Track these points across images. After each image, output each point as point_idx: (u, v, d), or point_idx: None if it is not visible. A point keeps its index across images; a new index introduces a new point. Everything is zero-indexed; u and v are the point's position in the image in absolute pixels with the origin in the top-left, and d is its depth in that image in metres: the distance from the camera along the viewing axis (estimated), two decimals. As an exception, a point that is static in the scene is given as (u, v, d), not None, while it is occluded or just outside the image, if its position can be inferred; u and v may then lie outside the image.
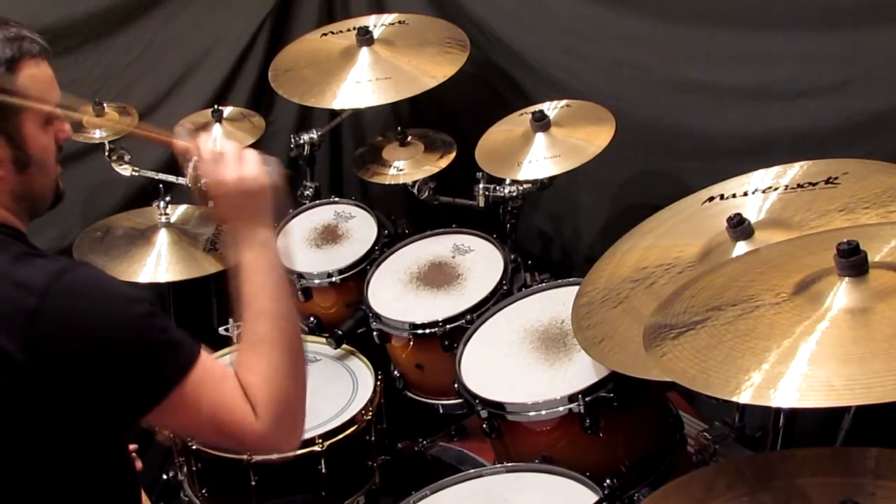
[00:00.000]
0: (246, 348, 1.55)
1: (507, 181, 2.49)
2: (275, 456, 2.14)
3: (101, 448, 1.49)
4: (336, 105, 2.76)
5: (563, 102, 2.53)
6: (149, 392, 1.41)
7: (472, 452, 2.30)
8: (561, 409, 1.94)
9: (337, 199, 2.91)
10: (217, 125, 2.87)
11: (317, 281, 2.63)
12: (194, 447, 2.20)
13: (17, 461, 1.42)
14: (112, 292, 1.42)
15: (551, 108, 2.52)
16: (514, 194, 2.50)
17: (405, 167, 2.82)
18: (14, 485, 1.43)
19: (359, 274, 2.60)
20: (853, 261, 1.38)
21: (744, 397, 1.28)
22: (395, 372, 2.47)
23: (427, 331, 2.32)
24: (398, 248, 2.60)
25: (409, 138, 2.88)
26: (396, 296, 2.45)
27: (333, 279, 2.61)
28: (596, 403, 1.92)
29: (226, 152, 1.74)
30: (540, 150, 2.42)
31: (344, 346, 2.37)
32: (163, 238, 2.67)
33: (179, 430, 1.51)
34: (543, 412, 1.95)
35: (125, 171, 2.82)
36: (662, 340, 1.45)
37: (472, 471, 1.95)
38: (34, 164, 1.49)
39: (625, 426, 1.98)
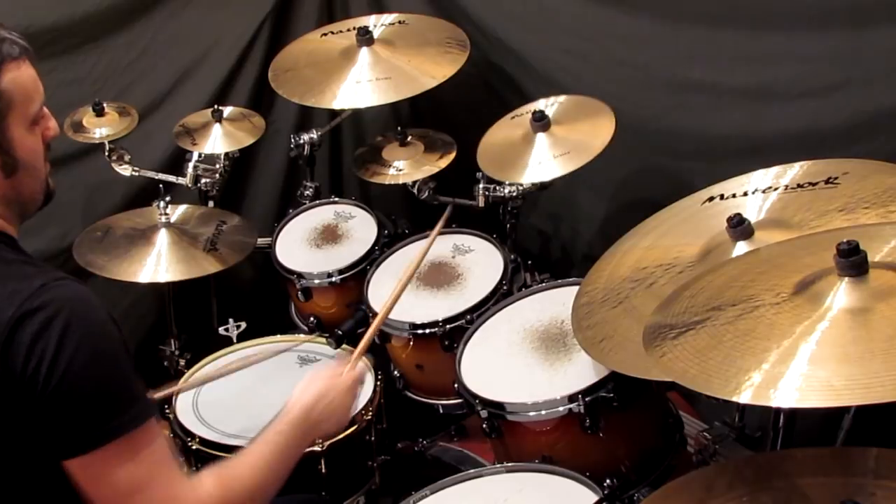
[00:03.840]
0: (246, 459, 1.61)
1: (507, 181, 2.49)
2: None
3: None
4: (336, 105, 2.76)
5: (558, 98, 2.52)
6: (93, 431, 1.38)
7: (472, 452, 2.30)
8: (561, 409, 1.94)
9: (337, 199, 2.91)
10: (217, 125, 2.87)
11: (317, 281, 2.63)
12: (194, 447, 2.20)
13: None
14: (91, 320, 1.39)
15: (547, 106, 2.50)
16: (514, 194, 2.50)
17: (405, 167, 2.82)
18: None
19: (359, 274, 2.60)
20: (853, 261, 1.38)
21: (744, 397, 1.28)
22: (395, 372, 2.47)
23: (427, 331, 2.33)
24: (398, 248, 2.61)
25: (409, 138, 2.88)
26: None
27: (333, 279, 2.61)
28: (596, 403, 1.92)
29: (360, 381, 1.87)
30: (545, 151, 2.41)
31: (344, 346, 2.37)
32: (163, 238, 2.66)
33: (98, 492, 1.44)
34: (543, 412, 1.95)
35: (125, 171, 2.82)
36: (662, 340, 1.45)
37: (472, 471, 1.95)
38: (22, 168, 1.47)
39: (625, 426, 1.98)
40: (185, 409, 2.27)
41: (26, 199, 1.51)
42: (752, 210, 1.88)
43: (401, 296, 2.12)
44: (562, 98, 2.52)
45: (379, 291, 2.48)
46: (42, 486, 1.44)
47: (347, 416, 1.86)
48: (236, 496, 1.54)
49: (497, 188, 2.52)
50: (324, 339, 2.48)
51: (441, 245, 2.56)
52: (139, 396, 1.43)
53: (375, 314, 2.40)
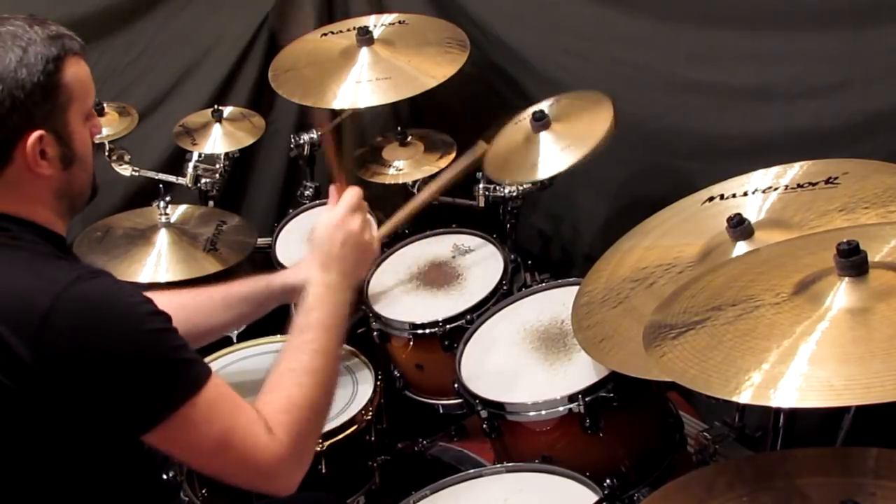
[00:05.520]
0: (284, 371, 1.60)
1: (507, 181, 2.48)
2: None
3: (113, 454, 1.49)
4: (336, 105, 2.76)
5: (556, 98, 2.52)
6: (156, 406, 1.40)
7: (472, 452, 2.30)
8: (561, 409, 1.94)
9: (337, 199, 2.91)
10: (217, 125, 2.87)
11: (317, 281, 2.62)
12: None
13: (24, 461, 1.41)
14: (127, 303, 1.42)
15: (546, 105, 2.50)
16: (514, 194, 2.50)
17: (405, 167, 2.82)
18: (20, 486, 1.43)
19: (359, 274, 2.60)
20: (853, 261, 1.38)
21: (744, 397, 1.28)
22: (395, 372, 2.47)
23: (427, 331, 2.32)
24: (398, 248, 2.60)
25: (409, 138, 2.88)
26: (396, 296, 2.45)
27: (333, 279, 2.61)
28: (596, 403, 1.92)
29: (362, 212, 1.91)
30: (549, 147, 2.41)
31: (344, 346, 2.37)
32: (163, 238, 2.66)
33: (187, 454, 1.51)
34: (543, 412, 1.95)
35: (125, 171, 2.82)
36: (662, 340, 1.45)
37: (472, 471, 1.95)
38: (77, 161, 1.52)
39: (625, 426, 1.98)
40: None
41: (76, 193, 1.55)
42: (752, 210, 1.88)
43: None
44: (559, 97, 2.52)
45: (379, 291, 2.48)
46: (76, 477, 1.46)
47: (368, 249, 1.89)
48: (305, 429, 1.57)
49: (497, 188, 2.52)
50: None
51: (441, 245, 2.56)
52: (192, 360, 1.45)
53: (375, 314, 2.40)
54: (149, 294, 1.48)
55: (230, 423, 1.47)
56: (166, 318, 1.46)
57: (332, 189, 1.98)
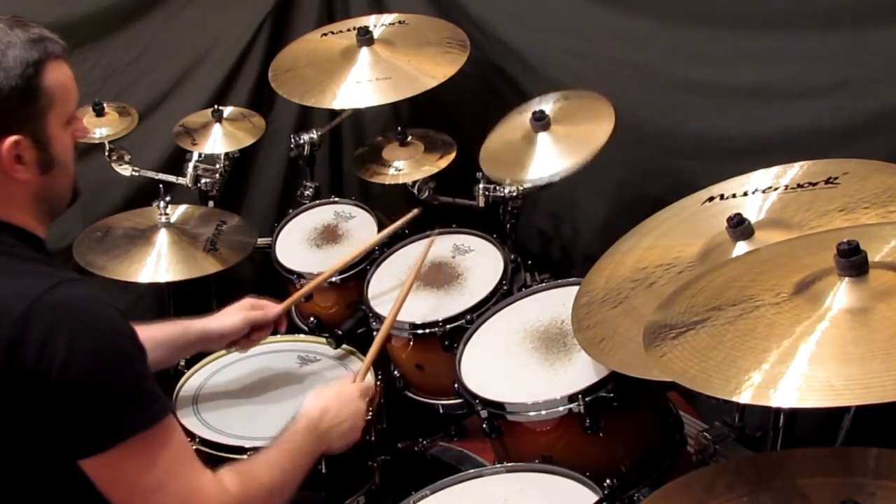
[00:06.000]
0: (259, 457, 1.65)
1: (507, 181, 2.49)
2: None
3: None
4: (336, 105, 2.77)
5: (556, 96, 2.52)
6: (107, 431, 1.38)
7: (472, 452, 2.30)
8: (561, 409, 1.93)
9: (337, 199, 2.91)
10: (217, 125, 2.87)
11: (317, 281, 2.63)
12: (194, 447, 2.20)
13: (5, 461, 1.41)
14: (105, 318, 1.40)
15: (546, 105, 2.50)
16: (514, 194, 2.50)
17: (405, 167, 2.82)
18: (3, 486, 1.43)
19: (359, 274, 2.60)
20: (853, 261, 1.38)
21: (744, 397, 1.28)
22: (395, 372, 2.47)
23: (427, 331, 2.32)
24: (398, 248, 2.60)
25: (409, 138, 2.88)
26: (397, 296, 2.45)
27: (333, 279, 2.61)
28: (596, 403, 1.92)
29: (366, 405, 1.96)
30: (548, 149, 2.41)
31: (344, 346, 2.37)
32: (163, 238, 2.66)
33: (119, 492, 1.43)
34: (543, 412, 1.95)
35: (125, 171, 2.83)
36: (662, 340, 1.45)
37: (472, 471, 1.95)
38: (57, 165, 1.50)
39: (625, 426, 1.98)
40: (185, 409, 2.26)
41: (56, 198, 1.53)
42: (752, 210, 1.88)
43: (403, 303, 2.20)
44: (559, 95, 2.52)
45: (379, 292, 2.48)
46: (55, 486, 1.44)
47: (356, 430, 1.90)
48: (254, 495, 1.57)
49: (497, 188, 2.52)
50: (324, 339, 2.48)
51: (441, 245, 2.55)
52: (154, 395, 1.43)
53: (375, 314, 2.41)
54: None
55: (174, 467, 1.44)
56: (139, 344, 1.44)
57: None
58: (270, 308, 2.20)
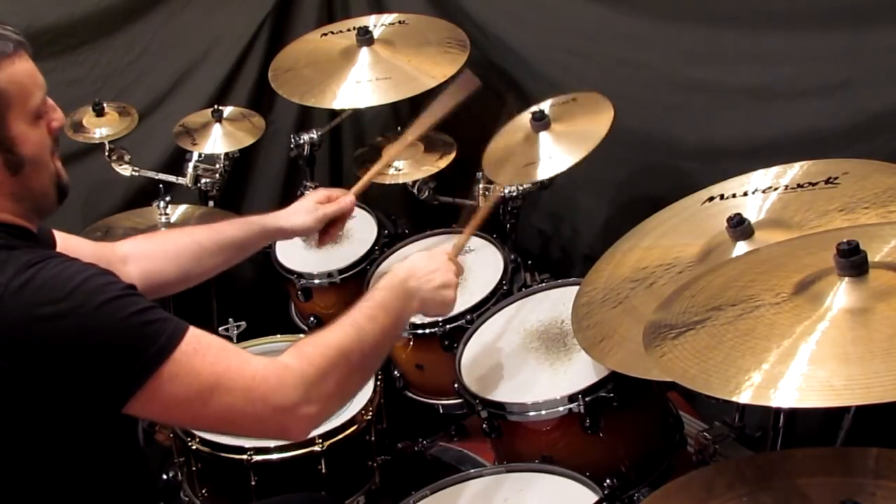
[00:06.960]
0: (332, 324, 1.58)
1: (518, 183, 2.48)
2: (274, 456, 2.14)
3: (97, 432, 1.45)
4: (336, 105, 2.76)
5: (555, 98, 2.51)
6: (127, 376, 1.35)
7: (472, 452, 2.30)
8: (561, 409, 1.93)
9: (337, 198, 2.91)
10: (217, 125, 2.87)
11: (317, 281, 2.63)
12: (194, 447, 2.20)
13: (8, 457, 1.40)
14: (77, 279, 1.36)
15: (545, 105, 2.49)
16: (514, 194, 2.50)
17: (405, 167, 2.82)
18: (9, 483, 1.42)
19: (359, 274, 2.60)
20: (853, 261, 1.38)
21: (744, 397, 1.28)
22: (395, 372, 2.47)
23: (427, 331, 2.32)
24: (398, 248, 2.60)
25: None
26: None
27: (334, 279, 2.61)
28: (596, 403, 1.92)
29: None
30: (548, 147, 2.40)
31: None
32: (163, 238, 2.66)
33: (179, 414, 1.42)
34: (543, 412, 1.95)
35: (125, 171, 2.83)
36: (662, 340, 1.45)
37: (472, 471, 1.95)
38: (29, 164, 1.45)
39: (625, 426, 1.98)
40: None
41: (37, 195, 1.49)
42: (752, 210, 1.88)
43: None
44: (558, 97, 2.51)
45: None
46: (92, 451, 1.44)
47: (449, 288, 1.80)
48: (319, 358, 1.50)
49: (497, 188, 2.51)
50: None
51: (441, 245, 2.55)
52: (158, 321, 1.39)
53: None
54: (129, 239, 1.41)
55: (219, 366, 1.40)
56: (124, 285, 1.39)
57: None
58: (343, 199, 2.13)
